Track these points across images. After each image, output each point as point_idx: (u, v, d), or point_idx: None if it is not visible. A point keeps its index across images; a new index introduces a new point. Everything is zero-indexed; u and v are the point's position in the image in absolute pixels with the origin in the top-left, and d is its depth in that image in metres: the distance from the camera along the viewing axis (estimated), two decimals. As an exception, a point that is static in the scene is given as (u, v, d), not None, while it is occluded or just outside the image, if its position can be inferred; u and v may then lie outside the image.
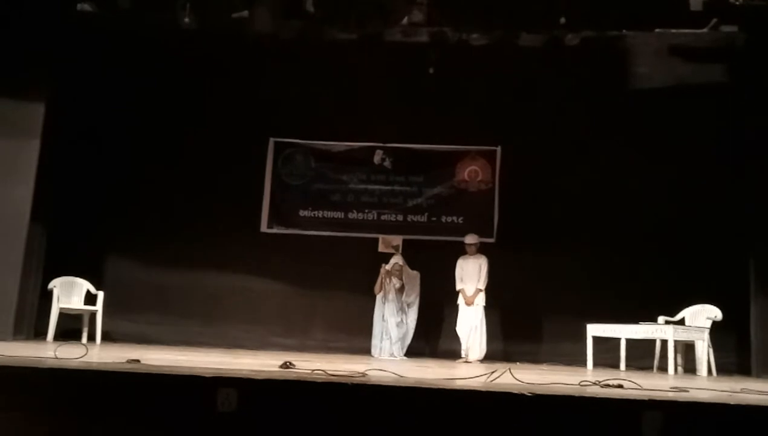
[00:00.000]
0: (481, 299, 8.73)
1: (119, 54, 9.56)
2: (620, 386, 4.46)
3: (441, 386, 3.81)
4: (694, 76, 9.28)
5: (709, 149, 9.11)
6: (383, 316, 8.95)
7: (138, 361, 4.67)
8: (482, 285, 8.73)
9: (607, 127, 9.36)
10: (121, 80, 9.65)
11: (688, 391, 4.51)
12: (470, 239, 9.00)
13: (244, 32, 8.70)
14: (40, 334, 8.61)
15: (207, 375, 3.76)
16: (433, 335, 9.46)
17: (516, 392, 3.72)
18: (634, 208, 9.21)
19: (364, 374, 4.26)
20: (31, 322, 8.76)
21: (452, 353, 8.88)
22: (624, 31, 9.03)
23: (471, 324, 8.67)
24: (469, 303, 8.71)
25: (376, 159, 10.06)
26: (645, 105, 9.36)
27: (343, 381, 3.78)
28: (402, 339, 8.90)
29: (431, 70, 9.14)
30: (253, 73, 9.81)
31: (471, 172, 9.93)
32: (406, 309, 9.02)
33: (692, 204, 9.09)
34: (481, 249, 9.02)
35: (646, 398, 3.73)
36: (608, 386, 4.52)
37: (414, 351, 9.00)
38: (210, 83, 9.79)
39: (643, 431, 3.57)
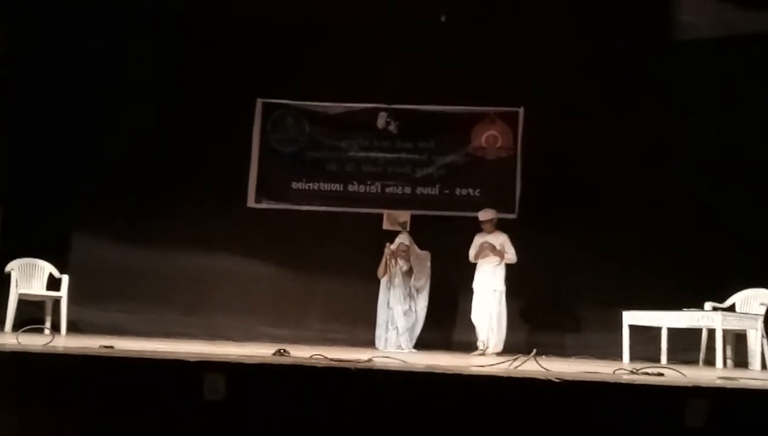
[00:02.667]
0: (501, 283, 8.79)
1: (85, 13, 9.56)
2: (661, 375, 4.52)
3: (456, 371, 3.87)
4: (746, 25, 9.25)
5: (762, 111, 9.11)
6: (388, 303, 9.03)
7: (112, 347, 4.74)
8: (509, 258, 8.80)
9: (646, 85, 9.39)
10: (88, 41, 9.68)
11: (737, 380, 4.57)
12: (484, 215, 9.05)
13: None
14: (-4, 324, 8.70)
15: (191, 360, 3.82)
16: (446, 325, 9.55)
17: (542, 378, 3.78)
18: (676, 179, 9.24)
19: (369, 360, 4.33)
20: (-15, 310, 8.84)
21: (468, 344, 8.98)
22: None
23: (490, 311, 8.73)
24: (497, 255, 8.77)
25: (380, 122, 10.11)
26: (689, 60, 9.34)
27: (346, 366, 3.83)
28: (410, 329, 8.97)
29: (443, 19, 9.15)
30: (237, 26, 9.80)
31: (489, 138, 9.98)
32: (415, 295, 9.09)
33: (742, 174, 9.11)
34: (500, 226, 9.09)
35: (689, 385, 3.79)
36: (647, 374, 4.58)
37: (424, 343, 9.10)
38: (189, 36, 9.82)
39: (686, 422, 3.63)
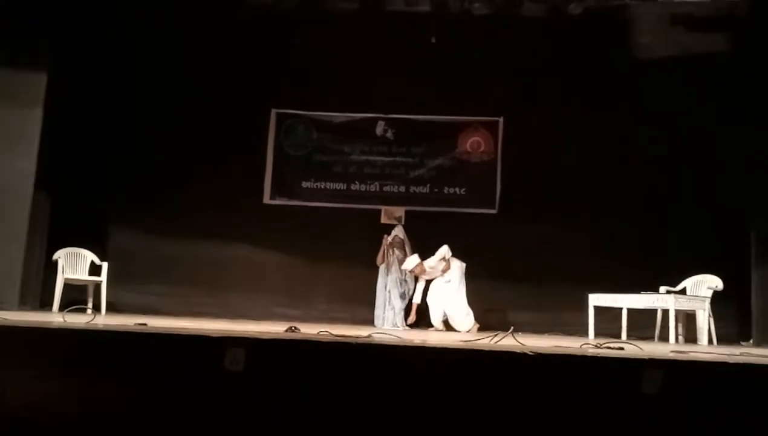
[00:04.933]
0: (454, 274, 8.73)
1: (121, 22, 9.50)
2: (621, 349, 4.54)
3: (444, 346, 3.89)
4: (696, 46, 9.26)
5: (711, 119, 9.10)
6: (386, 286, 9.01)
7: (145, 324, 4.75)
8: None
9: (610, 97, 9.37)
10: (123, 49, 9.64)
11: (687, 353, 4.59)
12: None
13: (246, 3, 8.69)
14: (45, 305, 8.67)
15: (215, 335, 3.83)
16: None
17: (518, 351, 3.79)
18: (636, 179, 9.24)
19: (369, 336, 4.34)
20: (36, 293, 8.83)
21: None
22: (627, 0, 9.03)
23: (440, 298, 8.71)
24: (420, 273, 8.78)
25: (378, 130, 10.09)
26: (647, 75, 9.35)
27: (349, 341, 3.84)
28: (406, 310, 8.96)
29: (433, 40, 9.13)
30: (254, 44, 9.80)
31: (473, 144, 9.97)
32: (408, 281, 9.07)
33: (694, 174, 9.12)
34: (482, 220, 9.12)
35: (646, 357, 3.81)
36: (609, 348, 4.60)
37: (418, 322, 9.06)
38: (212, 54, 9.78)
39: (643, 389, 3.64)
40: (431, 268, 8.75)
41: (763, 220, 8.44)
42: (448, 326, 8.72)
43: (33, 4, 8.57)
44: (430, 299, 8.81)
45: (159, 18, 9.57)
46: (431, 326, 8.81)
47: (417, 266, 8.71)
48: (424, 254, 8.77)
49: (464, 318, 8.65)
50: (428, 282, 8.88)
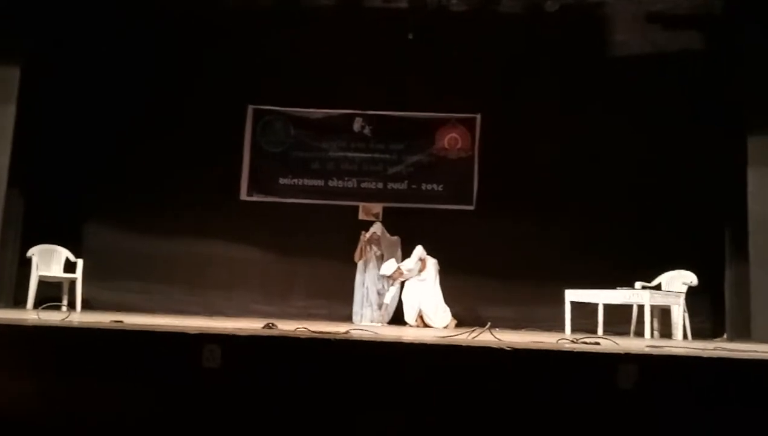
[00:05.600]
0: (427, 273, 8.82)
1: (96, 18, 9.43)
2: (597, 344, 4.57)
3: (420, 341, 3.89)
4: (671, 44, 9.35)
5: (685, 117, 9.19)
6: (364, 283, 9.03)
7: (121, 322, 4.71)
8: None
9: (586, 94, 9.43)
10: (98, 44, 9.55)
11: (662, 348, 4.63)
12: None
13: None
14: (19, 302, 8.58)
15: (192, 332, 3.81)
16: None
17: (496, 347, 3.81)
18: (612, 175, 9.30)
19: (347, 332, 4.34)
20: (9, 290, 8.75)
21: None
22: (603, -3, 9.12)
23: (414, 296, 8.76)
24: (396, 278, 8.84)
25: (356, 126, 10.08)
26: (623, 73, 9.42)
27: (326, 338, 3.84)
28: (384, 306, 8.97)
29: (411, 36, 9.17)
30: (231, 40, 9.74)
31: (451, 140, 9.99)
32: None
33: (669, 171, 9.21)
34: (460, 216, 9.15)
35: (621, 352, 3.84)
36: (585, 343, 4.63)
37: (396, 320, 9.09)
38: (188, 50, 9.72)
39: (618, 384, 3.68)
40: (409, 270, 8.78)
41: (737, 216, 8.53)
42: (424, 323, 8.74)
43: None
44: (405, 297, 8.85)
45: (135, 14, 9.49)
46: (405, 324, 8.83)
47: (395, 271, 8.73)
48: (405, 249, 8.82)
49: (441, 315, 8.69)
50: (403, 281, 8.91)
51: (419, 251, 8.77)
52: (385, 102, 9.96)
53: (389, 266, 8.74)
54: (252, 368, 3.74)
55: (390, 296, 8.92)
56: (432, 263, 8.79)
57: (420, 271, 8.80)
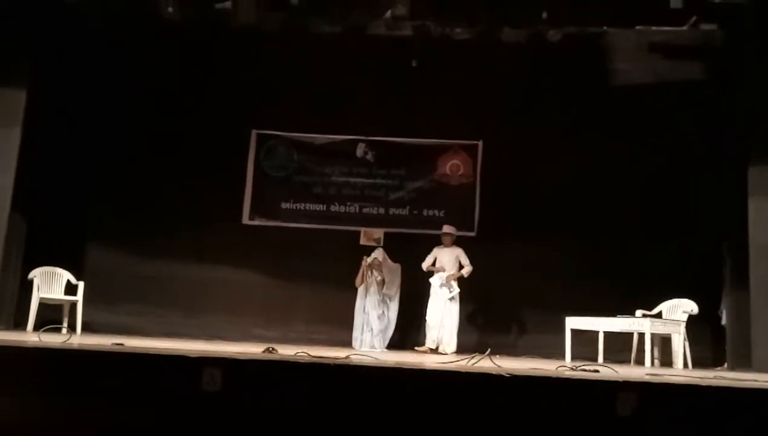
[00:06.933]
0: (455, 290, 8.85)
1: (101, 43, 9.56)
2: (596, 371, 4.57)
3: (421, 367, 3.91)
4: (672, 74, 9.43)
5: (685, 145, 9.25)
6: (364, 308, 9.03)
7: (122, 344, 4.72)
8: (467, 271, 8.90)
9: (587, 122, 9.49)
10: (102, 70, 9.64)
11: (662, 376, 4.63)
12: (448, 229, 9.17)
13: (228, 24, 8.74)
14: (19, 324, 8.59)
15: (192, 356, 3.82)
16: (415, 328, 9.49)
17: (495, 373, 3.82)
18: (613, 203, 9.33)
19: (347, 357, 4.35)
20: (10, 312, 8.76)
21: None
22: (605, 27, 9.19)
23: (445, 314, 8.77)
24: (450, 278, 8.87)
25: (359, 152, 10.13)
26: (624, 101, 9.48)
27: (326, 362, 3.85)
28: (383, 331, 8.98)
29: (414, 64, 9.24)
30: (236, 65, 9.84)
31: (453, 166, 10.04)
32: (387, 302, 9.11)
33: (670, 199, 9.24)
34: (461, 242, 9.17)
35: (621, 380, 3.85)
36: (585, 370, 4.63)
37: (395, 344, 9.11)
38: (193, 75, 9.82)
39: (617, 411, 3.68)
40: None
41: (737, 245, 8.54)
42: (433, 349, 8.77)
43: (12, 23, 8.55)
44: (432, 317, 8.83)
45: (139, 38, 9.59)
46: (417, 345, 8.82)
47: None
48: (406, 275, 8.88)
49: (455, 339, 8.73)
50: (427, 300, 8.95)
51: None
52: (388, 128, 10.02)
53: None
54: (252, 392, 3.75)
55: (386, 323, 8.96)
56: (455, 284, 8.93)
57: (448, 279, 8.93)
